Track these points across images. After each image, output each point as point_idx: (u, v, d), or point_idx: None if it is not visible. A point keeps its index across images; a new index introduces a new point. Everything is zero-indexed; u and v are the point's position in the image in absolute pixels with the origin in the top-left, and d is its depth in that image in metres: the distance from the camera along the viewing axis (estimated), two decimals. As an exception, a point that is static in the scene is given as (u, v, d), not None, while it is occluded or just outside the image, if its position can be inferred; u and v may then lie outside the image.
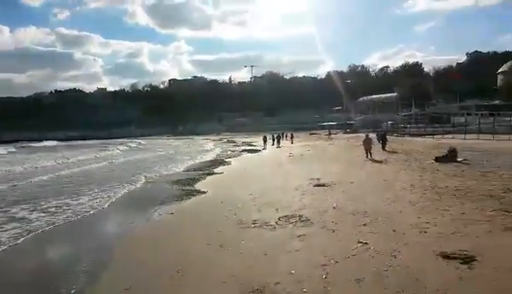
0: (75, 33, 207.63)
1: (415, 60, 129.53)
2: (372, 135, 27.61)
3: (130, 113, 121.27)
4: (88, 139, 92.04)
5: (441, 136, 35.56)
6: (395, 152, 25.16)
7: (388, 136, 29.28)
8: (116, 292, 6.15)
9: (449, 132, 36.92)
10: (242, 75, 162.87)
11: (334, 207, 10.66)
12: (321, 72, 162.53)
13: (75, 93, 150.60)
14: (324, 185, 14.13)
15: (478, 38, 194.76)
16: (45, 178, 20.91)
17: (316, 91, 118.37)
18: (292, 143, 45.26)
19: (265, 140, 41.85)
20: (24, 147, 62.89)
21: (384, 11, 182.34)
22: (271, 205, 11.30)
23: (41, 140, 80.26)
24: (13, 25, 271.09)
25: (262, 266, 6.70)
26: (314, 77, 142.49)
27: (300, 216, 9.73)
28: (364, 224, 8.77)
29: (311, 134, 65.66)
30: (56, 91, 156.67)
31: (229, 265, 6.81)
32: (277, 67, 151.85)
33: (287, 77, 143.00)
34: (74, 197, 14.56)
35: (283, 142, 44.61)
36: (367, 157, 22.63)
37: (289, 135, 51.15)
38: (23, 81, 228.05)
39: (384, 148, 26.38)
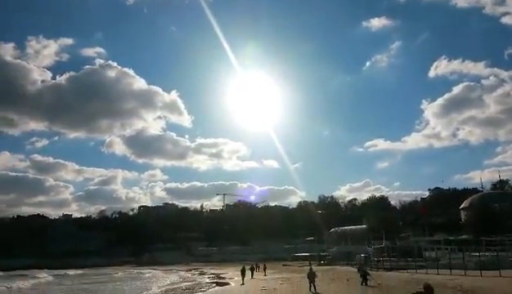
0: (50, 160, 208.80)
1: (382, 194, 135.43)
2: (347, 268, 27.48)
3: (95, 240, 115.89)
4: (46, 268, 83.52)
5: (414, 271, 35.20)
6: (371, 286, 24.78)
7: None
8: None
9: (422, 267, 36.71)
10: (214, 203, 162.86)
11: None
12: (292, 202, 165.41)
13: (38, 219, 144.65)
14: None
15: (436, 176, 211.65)
16: None
17: (287, 220, 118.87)
18: (265, 275, 43.48)
19: (243, 273, 37.01)
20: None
21: (348, 150, 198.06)
22: None
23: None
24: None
25: None
26: (286, 207, 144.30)
27: None
28: None
29: (283, 265, 63.77)
30: (18, 216, 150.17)
31: None
32: (249, 196, 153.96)
33: (259, 205, 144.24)
34: None
35: (256, 274, 42.74)
36: (310, 289, 23.89)
37: (261, 266, 49.35)
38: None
39: (366, 283, 26.06)
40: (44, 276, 60.91)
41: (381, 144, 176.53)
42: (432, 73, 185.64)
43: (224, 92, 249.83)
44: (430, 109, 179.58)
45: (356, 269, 31.79)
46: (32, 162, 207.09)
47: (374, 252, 51.91)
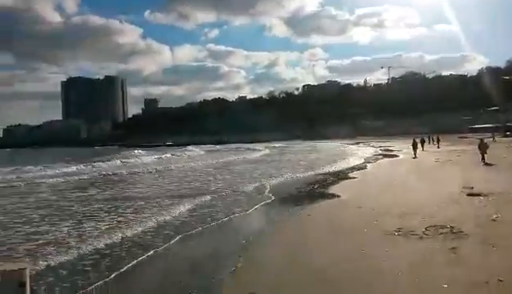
0: (222, 48, 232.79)
1: None
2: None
3: (267, 118, 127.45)
4: (233, 143, 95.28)
5: None
6: None
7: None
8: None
9: None
10: (378, 77, 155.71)
11: (493, 220, 9.32)
12: (469, 69, 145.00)
13: (220, 102, 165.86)
14: (479, 195, 12.45)
15: None
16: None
17: (464, 90, 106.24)
18: (438, 147, 41.19)
19: (415, 146, 34.12)
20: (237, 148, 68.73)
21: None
22: (416, 213, 10.44)
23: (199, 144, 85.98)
24: (171, 44, 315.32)
25: (410, 279, 6.20)
26: (462, 75, 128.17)
27: (452, 228, 8.73)
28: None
29: (459, 137, 58.95)
30: (204, 100, 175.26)
31: (368, 280, 6.38)
32: (418, 67, 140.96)
33: (429, 76, 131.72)
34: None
35: (428, 146, 40.85)
36: (482, 160, 22.75)
37: (434, 138, 46.61)
38: (180, 92, 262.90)
39: None
40: (260, 149, 60.00)
41: None
42: None
43: None
44: None
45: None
46: (208, 51, 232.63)
47: None
